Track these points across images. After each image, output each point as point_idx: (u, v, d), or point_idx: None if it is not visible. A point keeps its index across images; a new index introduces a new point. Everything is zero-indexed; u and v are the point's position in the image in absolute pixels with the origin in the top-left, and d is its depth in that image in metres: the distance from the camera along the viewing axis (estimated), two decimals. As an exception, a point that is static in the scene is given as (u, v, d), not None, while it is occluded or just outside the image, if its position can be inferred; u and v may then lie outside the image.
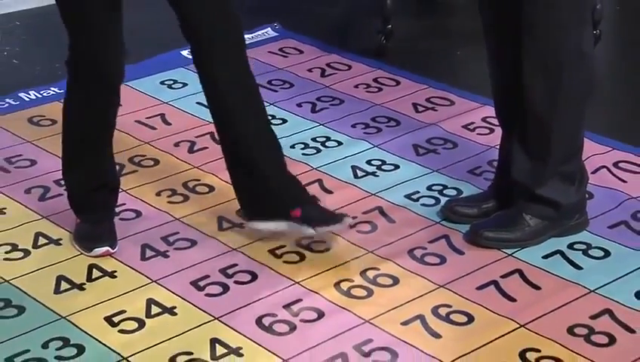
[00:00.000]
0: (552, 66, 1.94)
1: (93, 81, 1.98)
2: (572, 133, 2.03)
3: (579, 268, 2.00)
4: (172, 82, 2.84)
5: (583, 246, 2.06)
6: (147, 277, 2.00)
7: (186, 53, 2.99)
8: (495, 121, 2.59)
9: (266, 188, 1.99)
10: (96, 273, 2.02)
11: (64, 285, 1.99)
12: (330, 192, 2.29)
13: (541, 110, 1.97)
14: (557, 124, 1.98)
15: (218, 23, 1.92)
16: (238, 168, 2.03)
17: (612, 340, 1.80)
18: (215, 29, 1.92)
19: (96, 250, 2.05)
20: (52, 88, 2.79)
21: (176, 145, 2.51)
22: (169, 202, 2.26)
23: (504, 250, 2.05)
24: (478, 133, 2.53)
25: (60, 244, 2.12)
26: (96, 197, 2.07)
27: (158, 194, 2.30)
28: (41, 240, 2.13)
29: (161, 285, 1.98)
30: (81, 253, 2.07)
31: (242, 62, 1.95)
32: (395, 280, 1.97)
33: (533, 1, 1.91)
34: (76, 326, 1.86)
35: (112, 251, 2.06)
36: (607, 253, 2.03)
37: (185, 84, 2.82)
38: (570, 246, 2.06)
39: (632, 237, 2.08)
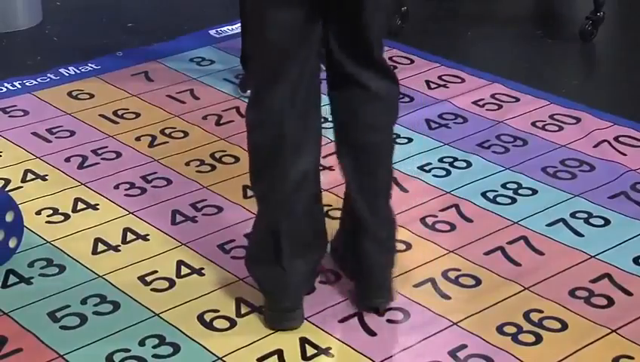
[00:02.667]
0: None
1: None
2: None
3: (580, 235, 1.98)
4: (200, 59, 2.83)
5: (585, 215, 2.04)
6: (177, 241, 2.00)
7: (213, 32, 2.98)
8: (503, 98, 2.58)
9: None
10: (130, 236, 2.03)
11: (101, 246, 1.99)
12: (347, 163, 2.28)
13: None
14: None
15: None
16: None
17: (611, 302, 1.78)
18: None
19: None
20: (90, 64, 2.79)
21: (204, 118, 2.51)
22: (197, 171, 2.26)
23: (510, 218, 2.03)
24: (487, 109, 2.50)
25: (97, 209, 2.12)
26: None
27: (187, 163, 2.30)
28: (80, 205, 2.14)
29: (190, 248, 1.98)
30: (117, 218, 2.08)
31: None
32: (408, 246, 1.97)
33: None
34: (112, 284, 1.87)
35: None
36: (607, 222, 2.01)
37: (212, 62, 2.80)
38: (573, 214, 2.04)
39: (631, 206, 2.06)
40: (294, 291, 1.74)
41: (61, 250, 1.98)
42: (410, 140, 2.37)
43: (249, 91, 2.07)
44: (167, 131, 2.45)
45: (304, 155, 1.71)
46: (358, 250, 1.76)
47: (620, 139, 2.33)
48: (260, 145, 1.71)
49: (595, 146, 2.29)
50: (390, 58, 2.80)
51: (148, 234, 2.03)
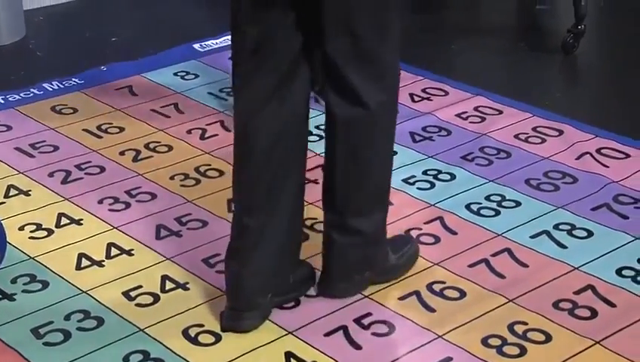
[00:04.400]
0: None
1: None
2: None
3: (564, 247, 1.99)
4: (185, 74, 2.83)
5: (568, 227, 2.05)
6: (161, 255, 2.00)
7: (197, 46, 2.99)
8: (486, 110, 2.59)
9: None
10: (114, 251, 2.02)
11: (85, 262, 1.99)
12: (332, 176, 2.28)
13: None
14: None
15: None
16: None
17: (594, 314, 1.79)
18: None
19: None
20: (73, 79, 2.79)
21: (189, 132, 2.51)
22: (182, 185, 2.26)
23: (494, 230, 2.04)
24: (470, 122, 2.52)
25: (81, 224, 2.12)
26: None
27: (172, 178, 2.29)
28: (64, 220, 2.13)
29: (175, 262, 1.97)
30: (101, 233, 2.08)
31: None
32: (393, 258, 1.97)
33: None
34: (96, 299, 1.87)
35: None
36: (590, 233, 2.03)
37: (197, 75, 2.81)
38: (556, 226, 2.05)
39: (613, 218, 2.07)
40: (248, 292, 1.71)
41: (45, 266, 1.97)
42: (395, 153, 2.37)
43: None
44: (151, 145, 2.45)
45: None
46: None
47: (602, 151, 2.35)
48: None
49: (577, 158, 2.30)
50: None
51: (132, 249, 2.02)
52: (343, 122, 1.73)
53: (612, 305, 1.81)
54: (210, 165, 2.34)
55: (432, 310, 1.82)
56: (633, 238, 2.00)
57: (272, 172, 1.72)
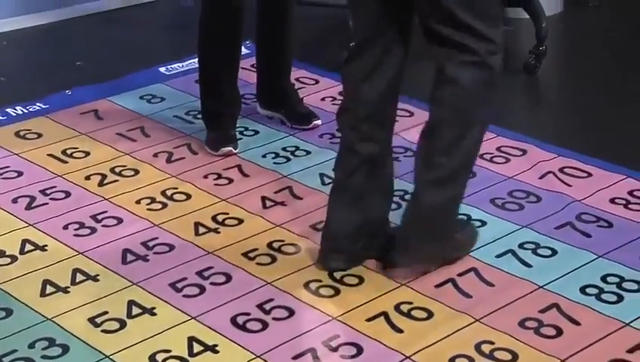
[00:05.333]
0: None
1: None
2: None
3: (529, 265, 2.01)
4: (151, 97, 2.82)
5: (533, 246, 2.07)
6: (128, 280, 1.98)
7: (163, 69, 2.98)
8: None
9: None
10: (79, 277, 1.99)
11: (49, 288, 1.96)
12: (299, 198, 2.29)
13: None
14: None
15: None
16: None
17: (559, 332, 1.81)
18: None
19: (223, 149, 2.41)
20: (37, 104, 2.76)
21: (155, 155, 2.49)
22: (148, 209, 2.25)
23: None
24: (435, 142, 2.54)
25: (46, 250, 2.09)
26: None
27: (138, 202, 2.28)
28: (28, 247, 2.10)
29: (141, 287, 1.96)
30: (66, 258, 2.05)
31: None
32: (361, 280, 1.97)
33: None
34: (61, 327, 1.84)
35: (235, 151, 2.42)
36: (554, 252, 2.05)
37: (163, 99, 2.80)
38: (521, 245, 2.07)
39: (576, 236, 2.10)
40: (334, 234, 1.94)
41: (8, 294, 1.94)
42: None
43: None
44: (117, 169, 2.43)
45: None
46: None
47: (564, 170, 2.38)
48: None
49: (541, 178, 2.33)
50: (340, 93, 2.82)
51: (98, 275, 2.00)
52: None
53: (576, 323, 1.83)
54: (176, 188, 2.33)
55: (400, 331, 1.82)
56: (596, 256, 2.02)
57: None
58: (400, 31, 1.90)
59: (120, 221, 2.20)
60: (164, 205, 2.26)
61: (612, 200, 2.23)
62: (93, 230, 2.16)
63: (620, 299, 1.89)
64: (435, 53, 1.84)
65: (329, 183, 2.34)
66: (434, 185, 1.88)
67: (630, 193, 2.26)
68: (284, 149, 2.52)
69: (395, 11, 1.87)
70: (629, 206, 2.21)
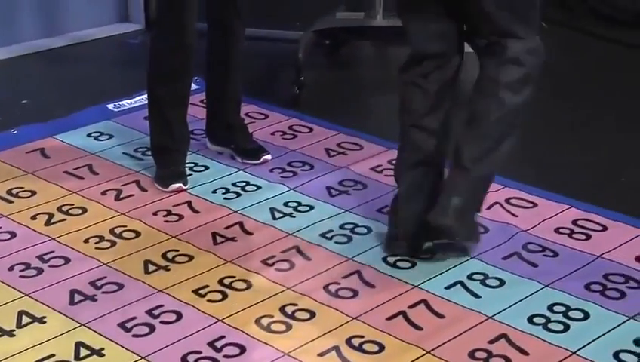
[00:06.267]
0: None
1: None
2: None
3: (477, 296, 2.03)
4: (99, 134, 2.80)
5: (481, 277, 2.09)
6: (75, 321, 1.95)
7: (111, 106, 2.96)
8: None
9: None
10: (25, 319, 1.95)
11: (-6, 332, 1.92)
12: (250, 233, 2.28)
13: None
14: None
15: None
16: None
17: (509, 362, 1.83)
18: None
19: (172, 185, 2.41)
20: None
21: (103, 193, 2.47)
22: (97, 248, 2.22)
23: (410, 282, 2.07)
24: (385, 175, 2.56)
25: (-10, 293, 2.05)
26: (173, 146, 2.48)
27: (86, 240, 2.25)
28: (-28, 290, 2.05)
29: (90, 328, 1.92)
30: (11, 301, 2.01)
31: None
32: (312, 314, 1.97)
33: None
34: (6, 371, 1.80)
35: (184, 187, 2.43)
36: (502, 282, 2.07)
37: (111, 136, 2.78)
38: (470, 276, 2.09)
39: (523, 266, 2.13)
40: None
41: (-49, 338, 1.89)
42: (311, 208, 2.40)
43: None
44: (64, 208, 2.39)
45: None
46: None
47: (510, 201, 2.42)
48: None
49: (488, 208, 2.36)
50: (290, 127, 2.85)
51: (44, 317, 1.96)
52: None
53: (525, 353, 1.85)
54: (125, 226, 2.31)
55: (352, 365, 1.82)
56: (542, 286, 2.05)
57: None
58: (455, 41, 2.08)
59: (67, 261, 2.16)
60: (113, 243, 2.24)
61: (557, 230, 2.27)
62: (40, 271, 2.12)
63: (567, 327, 1.92)
64: (478, 55, 2.05)
65: (280, 217, 2.35)
66: (479, 160, 2.05)
67: (574, 222, 2.31)
68: (234, 184, 2.52)
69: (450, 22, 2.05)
70: (573, 235, 2.26)
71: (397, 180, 2.19)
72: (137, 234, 2.28)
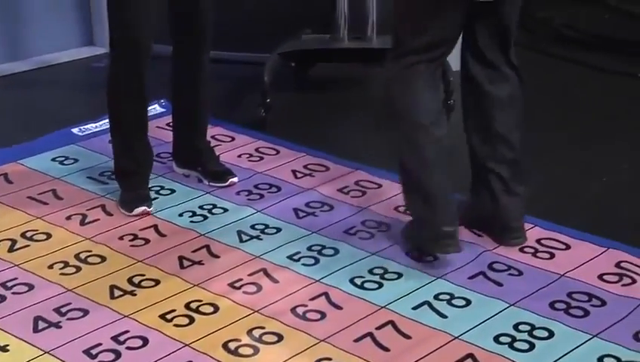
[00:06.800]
0: None
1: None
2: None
3: (444, 316, 2.04)
4: (64, 158, 2.77)
5: (447, 297, 2.10)
6: (39, 349, 1.91)
7: (76, 130, 2.94)
8: (367, 184, 2.65)
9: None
10: (-12, 348, 1.92)
11: (-44, 362, 1.88)
12: (217, 256, 2.27)
13: None
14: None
15: None
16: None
17: (475, 382, 1.83)
18: None
19: (137, 209, 2.39)
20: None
21: (68, 218, 2.44)
22: (61, 274, 2.19)
23: (378, 303, 2.07)
24: (351, 196, 2.57)
25: (-48, 321, 2.01)
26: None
27: (51, 266, 2.22)
28: None
29: (54, 356, 1.89)
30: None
31: None
32: (280, 337, 1.96)
33: None
34: (-32, 402, 1.76)
35: (149, 210, 2.40)
36: (468, 302, 2.08)
37: (76, 160, 2.75)
38: (436, 296, 2.10)
39: (489, 286, 2.14)
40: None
41: None
42: (278, 230, 2.39)
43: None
44: (28, 234, 2.36)
45: None
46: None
47: (476, 220, 2.44)
48: None
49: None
50: (256, 149, 2.85)
51: (7, 345, 1.93)
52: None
53: (491, 372, 1.86)
54: (91, 251, 2.28)
55: (320, 388, 1.81)
56: (508, 305, 2.07)
57: None
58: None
59: (31, 287, 2.13)
60: (78, 269, 2.21)
61: (521, 249, 2.29)
62: (3, 298, 2.09)
63: (532, 346, 1.93)
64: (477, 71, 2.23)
65: (247, 240, 2.34)
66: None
67: (538, 241, 2.33)
68: (201, 207, 2.51)
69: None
70: (537, 254, 2.28)
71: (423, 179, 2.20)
72: (103, 259, 2.25)
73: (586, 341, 1.94)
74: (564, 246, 2.30)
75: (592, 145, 2.91)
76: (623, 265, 2.21)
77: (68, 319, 2.02)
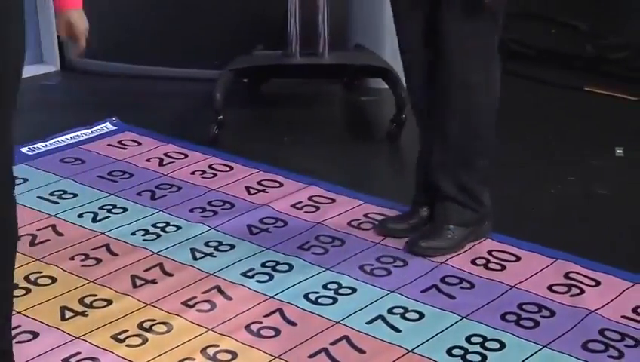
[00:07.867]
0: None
1: None
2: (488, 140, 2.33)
3: (398, 330, 2.04)
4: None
5: (401, 311, 2.11)
6: (-12, 374, 1.87)
7: (25, 150, 2.89)
8: (320, 199, 2.66)
9: None
10: None
11: None
12: (170, 274, 2.25)
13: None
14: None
15: None
16: None
17: (430, 395, 1.84)
18: None
19: None
20: None
21: (18, 239, 2.39)
22: (11, 296, 2.14)
23: (332, 318, 2.07)
24: (305, 211, 2.57)
25: None
26: None
27: None
28: None
29: (3, 380, 1.85)
30: None
31: None
32: (234, 355, 1.95)
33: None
34: None
35: None
36: (421, 315, 2.09)
37: (26, 180, 2.70)
38: (390, 310, 2.10)
39: (442, 299, 2.15)
40: None
41: None
42: (232, 247, 2.38)
43: None
44: (-24, 256, 2.31)
45: None
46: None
47: (428, 233, 2.46)
48: None
49: (407, 242, 2.39)
50: (210, 166, 2.83)
51: (-47, 371, 1.88)
52: None
53: (445, 385, 1.87)
54: (41, 272, 2.24)
55: (275, 405, 1.80)
56: (460, 317, 2.08)
57: None
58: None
59: (-21, 310, 2.08)
60: (28, 291, 2.17)
61: (473, 261, 2.31)
62: (-50, 322, 2.04)
63: (484, 358, 1.94)
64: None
65: (200, 258, 2.32)
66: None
67: (489, 253, 2.36)
68: (153, 225, 2.48)
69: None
70: (489, 265, 2.30)
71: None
72: (53, 280, 2.21)
73: (537, 351, 1.96)
74: (514, 258, 2.33)
75: (542, 158, 2.96)
76: (571, 275, 2.25)
77: (17, 342, 1.97)
